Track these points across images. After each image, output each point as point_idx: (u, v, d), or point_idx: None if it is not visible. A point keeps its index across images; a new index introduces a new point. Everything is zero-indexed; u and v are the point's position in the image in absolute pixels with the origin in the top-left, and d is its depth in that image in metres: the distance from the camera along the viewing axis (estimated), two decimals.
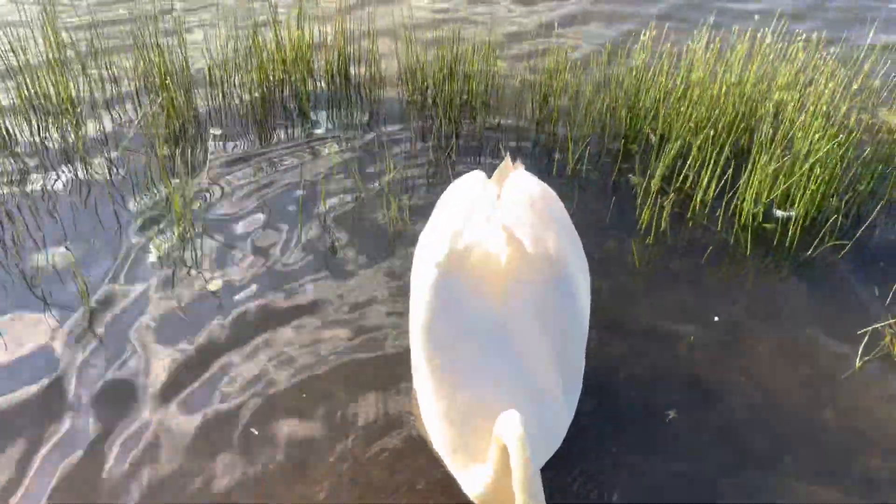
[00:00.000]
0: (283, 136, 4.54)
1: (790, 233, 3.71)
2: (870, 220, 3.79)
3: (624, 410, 2.89)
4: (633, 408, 2.90)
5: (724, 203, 3.90)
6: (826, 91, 3.86)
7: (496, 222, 2.50)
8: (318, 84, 5.05)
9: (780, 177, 3.76)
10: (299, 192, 4.00)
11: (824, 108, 3.78)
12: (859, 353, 3.12)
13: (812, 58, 4.36)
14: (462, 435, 2.29)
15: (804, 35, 4.50)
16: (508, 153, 2.93)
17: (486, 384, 2.28)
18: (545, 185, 2.75)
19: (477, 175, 2.75)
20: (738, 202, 3.84)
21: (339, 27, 5.02)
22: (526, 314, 2.39)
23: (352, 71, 5.16)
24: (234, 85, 4.99)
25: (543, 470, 2.32)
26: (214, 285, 3.38)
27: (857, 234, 3.72)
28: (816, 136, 3.64)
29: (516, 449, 1.98)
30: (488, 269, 2.47)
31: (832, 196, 3.81)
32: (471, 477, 2.28)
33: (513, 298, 2.41)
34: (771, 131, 3.99)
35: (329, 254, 3.59)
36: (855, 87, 4.15)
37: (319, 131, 4.61)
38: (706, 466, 2.68)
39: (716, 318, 3.28)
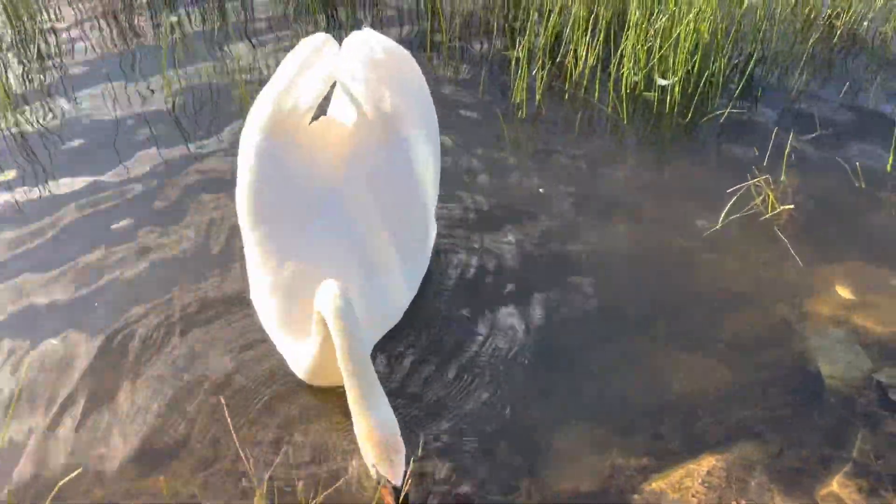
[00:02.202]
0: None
1: (668, 100, 3.55)
2: (743, 81, 3.65)
3: (491, 283, 2.73)
4: (503, 280, 2.74)
5: (603, 74, 3.71)
6: None
7: (329, 80, 2.30)
8: None
9: (657, 41, 3.57)
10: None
11: None
12: (724, 213, 2.99)
13: None
14: (288, 309, 2.15)
15: None
16: (366, 25, 2.69)
17: (314, 255, 2.13)
18: (392, 43, 2.51)
19: (319, 35, 2.47)
20: (616, 71, 3.64)
21: None
22: (361, 180, 2.23)
23: None
24: None
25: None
26: None
27: (740, 98, 3.58)
28: None
29: (333, 319, 1.86)
30: (328, 132, 2.31)
31: (715, 59, 3.63)
32: (298, 354, 2.16)
33: (347, 163, 2.24)
34: None
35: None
36: None
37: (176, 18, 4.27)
38: (582, 338, 2.53)
39: (567, 190, 3.11)
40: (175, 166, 3.22)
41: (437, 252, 2.74)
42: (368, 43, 2.43)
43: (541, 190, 3.11)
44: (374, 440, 1.85)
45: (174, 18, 4.29)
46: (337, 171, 2.24)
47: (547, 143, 3.40)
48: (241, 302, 2.57)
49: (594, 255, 2.84)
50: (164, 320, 2.54)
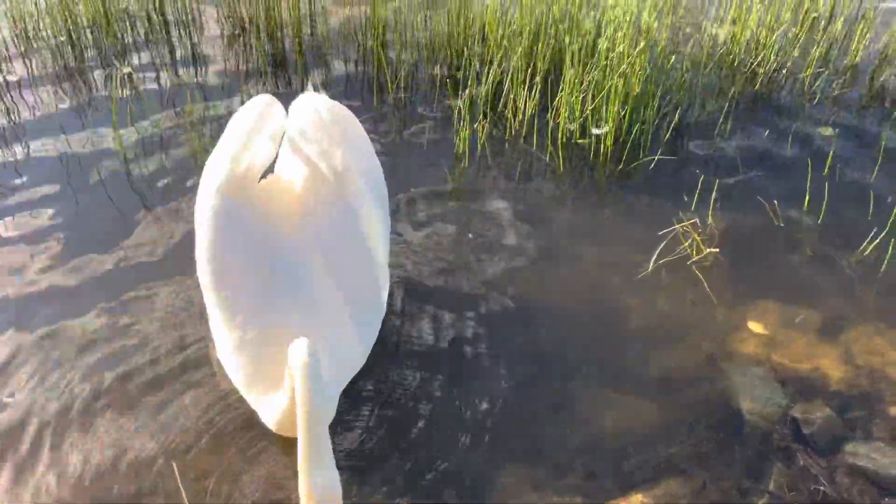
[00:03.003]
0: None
1: (602, 148, 3.75)
2: (664, 132, 3.87)
3: (431, 331, 2.86)
4: (439, 325, 2.87)
5: (541, 123, 3.90)
6: (631, 6, 3.88)
7: (281, 141, 2.42)
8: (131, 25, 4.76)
9: (590, 92, 3.77)
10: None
11: (630, 20, 3.79)
12: (654, 256, 3.18)
13: None
14: (255, 366, 2.20)
15: None
16: (311, 84, 2.82)
17: (277, 313, 2.20)
18: (336, 104, 2.64)
19: (264, 97, 2.59)
20: (553, 121, 3.84)
21: None
22: (315, 237, 2.32)
23: (168, 11, 4.88)
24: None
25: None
26: None
27: (669, 145, 3.80)
28: (620, 48, 3.65)
29: (301, 378, 1.92)
30: (277, 191, 2.41)
31: (645, 108, 3.85)
32: (267, 406, 2.21)
33: (302, 221, 2.34)
34: (580, 49, 3.99)
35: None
36: (664, 3, 4.21)
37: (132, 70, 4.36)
38: (517, 382, 2.66)
39: (504, 236, 3.28)
40: (127, 221, 3.30)
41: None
42: (314, 104, 2.55)
43: (470, 235, 3.27)
44: (315, 500, 1.92)
45: (127, 71, 4.39)
46: (292, 230, 2.34)
47: (487, 191, 3.56)
48: (193, 358, 2.66)
49: (529, 300, 2.99)
50: (114, 378, 2.62)
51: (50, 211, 3.32)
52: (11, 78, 4.32)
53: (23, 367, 2.64)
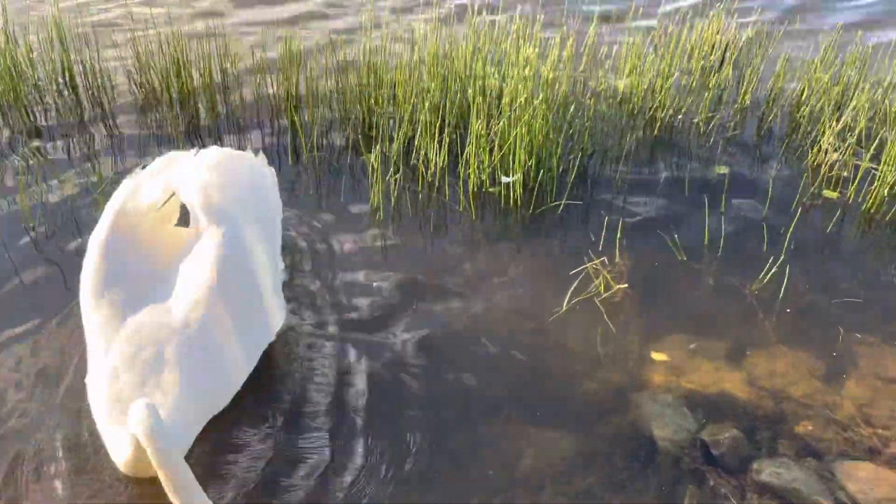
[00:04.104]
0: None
1: (512, 195, 3.88)
2: (570, 177, 4.03)
3: (343, 375, 2.88)
4: (354, 372, 2.90)
5: (452, 174, 4.02)
6: (531, 59, 4.06)
7: (169, 186, 2.61)
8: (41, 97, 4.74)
9: (497, 142, 3.92)
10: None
11: (531, 73, 3.97)
12: (567, 296, 3.29)
13: (524, 33, 4.61)
14: (115, 394, 2.23)
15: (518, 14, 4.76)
16: (197, 148, 2.95)
17: (139, 343, 2.27)
18: (228, 150, 2.88)
19: (173, 152, 2.89)
20: (464, 172, 3.96)
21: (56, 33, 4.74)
22: (188, 269, 2.43)
23: (78, 78, 4.87)
24: None
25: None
26: None
27: (576, 189, 3.96)
28: (522, 100, 3.81)
29: (146, 442, 1.97)
30: (167, 232, 2.59)
31: (550, 156, 4.00)
32: (117, 444, 2.24)
33: (180, 255, 2.48)
34: (485, 102, 4.15)
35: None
36: (565, 53, 4.42)
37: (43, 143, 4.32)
38: (437, 423, 2.71)
39: (420, 284, 3.35)
40: (39, 290, 3.25)
41: (284, 348, 2.91)
42: (207, 153, 2.79)
43: (384, 283, 3.32)
44: None
45: (35, 145, 4.35)
46: (170, 264, 2.48)
47: (402, 240, 3.63)
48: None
49: (448, 344, 3.06)
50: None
51: None
52: None
53: None
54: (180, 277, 2.41)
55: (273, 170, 3.18)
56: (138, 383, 2.19)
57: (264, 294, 2.60)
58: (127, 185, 2.67)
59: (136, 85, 4.84)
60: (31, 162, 4.17)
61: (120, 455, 2.23)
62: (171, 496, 2.02)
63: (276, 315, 2.73)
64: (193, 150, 2.87)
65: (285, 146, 4.38)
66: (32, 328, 3.00)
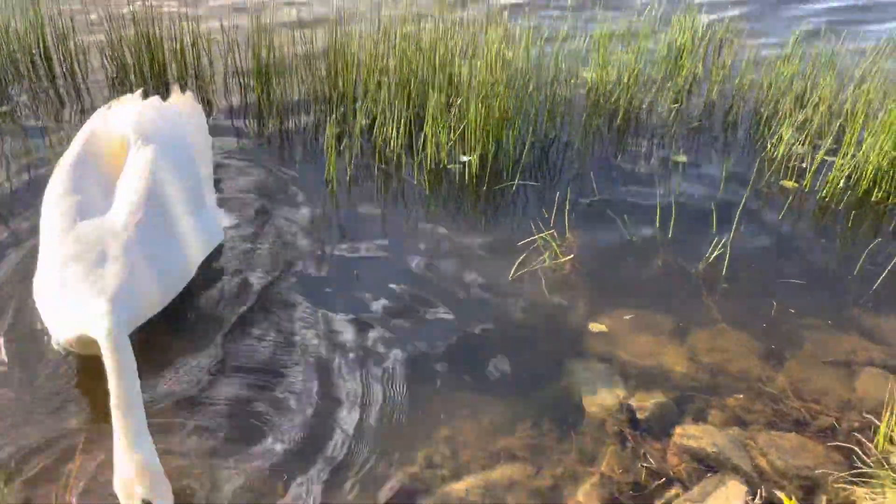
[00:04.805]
0: None
1: (469, 173, 3.89)
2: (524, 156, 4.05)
3: (294, 347, 2.89)
4: (305, 342, 2.91)
5: (412, 152, 4.02)
6: (494, 42, 4.09)
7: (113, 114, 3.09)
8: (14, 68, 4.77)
9: (456, 119, 3.94)
10: None
11: (493, 52, 4.00)
12: (514, 267, 3.30)
13: (492, 20, 4.65)
14: (61, 280, 2.49)
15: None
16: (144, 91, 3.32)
17: (90, 234, 2.58)
18: (157, 99, 3.30)
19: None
20: (421, 151, 3.97)
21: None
22: (127, 182, 2.78)
23: (53, 57, 4.90)
24: None
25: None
26: None
27: (533, 170, 3.98)
28: (482, 78, 3.84)
29: (108, 350, 2.23)
30: (113, 150, 2.94)
31: (508, 137, 4.01)
32: (61, 326, 2.48)
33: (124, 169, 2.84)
34: (446, 81, 4.17)
35: None
36: (529, 38, 4.45)
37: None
38: (383, 388, 2.73)
39: (373, 254, 3.37)
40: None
41: (244, 323, 2.95)
42: (149, 100, 3.27)
43: (336, 252, 3.34)
44: (145, 477, 2.04)
45: (4, 109, 4.38)
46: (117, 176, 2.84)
47: (358, 213, 3.65)
48: None
49: (395, 310, 3.07)
50: None
51: None
52: None
53: None
54: (119, 190, 2.75)
55: (200, 107, 3.53)
56: (84, 274, 2.44)
57: (195, 205, 2.95)
58: (96, 116, 3.08)
59: (108, 59, 4.86)
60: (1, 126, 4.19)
61: (61, 336, 2.48)
62: (119, 440, 2.10)
63: (210, 228, 3.08)
64: (138, 93, 3.32)
65: (253, 118, 4.40)
66: None
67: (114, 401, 2.14)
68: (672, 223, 3.61)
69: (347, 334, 2.94)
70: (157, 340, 2.78)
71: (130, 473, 2.03)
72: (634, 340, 3.02)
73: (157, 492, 2.03)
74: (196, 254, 2.93)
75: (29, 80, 4.70)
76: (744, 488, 2.31)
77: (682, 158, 4.20)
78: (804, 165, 4.13)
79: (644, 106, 4.64)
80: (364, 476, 2.38)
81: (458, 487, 2.34)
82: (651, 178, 4.01)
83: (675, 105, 4.60)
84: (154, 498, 2.02)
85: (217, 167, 3.74)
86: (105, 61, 4.88)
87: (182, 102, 3.45)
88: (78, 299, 2.42)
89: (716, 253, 3.40)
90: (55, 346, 2.66)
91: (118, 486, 2.06)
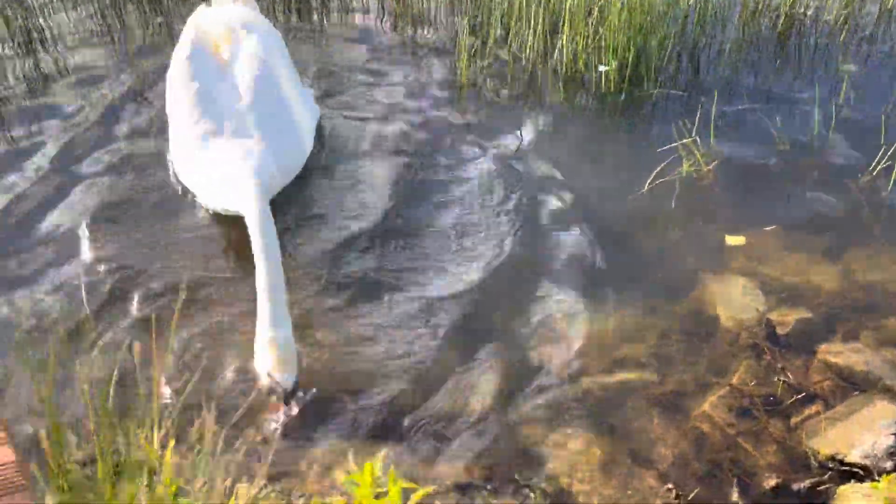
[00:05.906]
0: None
1: (606, 81, 3.68)
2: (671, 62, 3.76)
3: (394, 248, 2.87)
4: (401, 249, 2.87)
5: (548, 57, 3.84)
6: None
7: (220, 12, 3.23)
8: None
9: (593, 30, 3.72)
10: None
11: None
12: (653, 175, 3.08)
13: None
14: (205, 151, 2.74)
15: None
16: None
17: (223, 113, 2.79)
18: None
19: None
20: (560, 56, 3.78)
21: None
22: (238, 67, 2.96)
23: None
24: None
25: None
26: None
27: (677, 78, 3.72)
28: None
29: (255, 231, 2.34)
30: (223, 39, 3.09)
31: (651, 42, 3.73)
32: (207, 189, 2.77)
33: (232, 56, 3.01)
34: None
35: None
36: None
37: None
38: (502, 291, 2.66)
39: (506, 162, 3.26)
40: None
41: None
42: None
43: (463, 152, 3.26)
44: (275, 351, 2.12)
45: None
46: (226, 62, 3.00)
47: (492, 118, 3.54)
48: None
49: (526, 219, 2.96)
50: None
51: None
52: None
53: None
54: (236, 73, 2.92)
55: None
56: (226, 148, 2.67)
57: (297, 84, 3.22)
58: (197, 13, 3.22)
59: None
60: None
61: (210, 206, 2.80)
62: (261, 314, 2.18)
63: (310, 104, 3.31)
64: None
65: (388, 26, 4.34)
66: None
67: (260, 282, 2.21)
68: (831, 134, 3.26)
69: (460, 253, 2.84)
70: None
71: (267, 349, 2.12)
72: (779, 255, 2.77)
73: (287, 369, 2.11)
74: (308, 127, 3.15)
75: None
76: (894, 408, 2.07)
77: (851, 67, 3.78)
78: None
79: (810, 13, 4.19)
80: (478, 368, 2.32)
81: (574, 391, 2.23)
82: (812, 86, 3.63)
83: (846, 11, 4.12)
84: (282, 374, 2.10)
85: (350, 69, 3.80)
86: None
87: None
88: (223, 174, 2.62)
89: (881, 166, 3.04)
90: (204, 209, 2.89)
91: (257, 360, 2.15)
